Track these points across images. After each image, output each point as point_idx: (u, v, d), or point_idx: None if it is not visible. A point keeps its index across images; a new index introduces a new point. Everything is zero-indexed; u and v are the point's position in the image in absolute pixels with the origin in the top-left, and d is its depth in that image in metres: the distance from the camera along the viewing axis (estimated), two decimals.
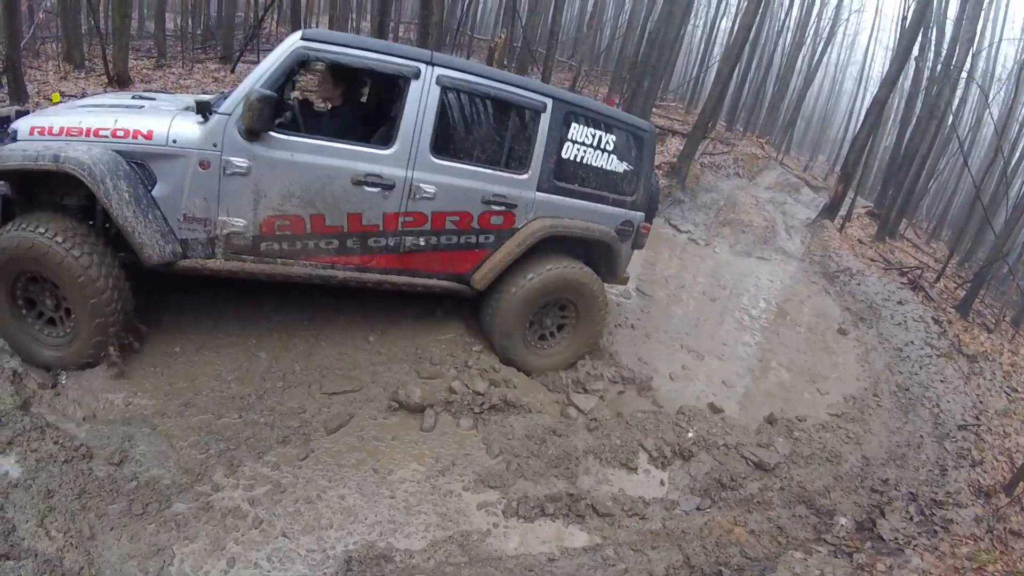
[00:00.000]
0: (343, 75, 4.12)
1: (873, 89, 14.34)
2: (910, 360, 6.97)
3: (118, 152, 3.39)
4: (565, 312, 4.64)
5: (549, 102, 4.09)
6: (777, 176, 15.31)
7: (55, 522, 2.79)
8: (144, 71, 11.39)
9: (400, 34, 16.82)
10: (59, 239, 3.31)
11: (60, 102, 4.70)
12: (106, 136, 3.40)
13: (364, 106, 4.45)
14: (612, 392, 4.67)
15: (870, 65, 29.56)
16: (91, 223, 3.60)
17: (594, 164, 4.37)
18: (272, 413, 3.63)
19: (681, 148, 11.41)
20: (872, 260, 10.62)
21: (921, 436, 5.38)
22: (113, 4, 10.40)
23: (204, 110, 3.44)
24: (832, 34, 26.99)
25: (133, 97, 4.11)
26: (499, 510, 3.40)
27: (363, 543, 3.02)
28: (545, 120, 4.09)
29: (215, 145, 3.45)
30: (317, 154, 3.60)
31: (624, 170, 4.52)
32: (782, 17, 24.47)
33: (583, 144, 4.28)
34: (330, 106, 4.33)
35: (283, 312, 4.36)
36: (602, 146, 4.37)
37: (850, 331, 7.51)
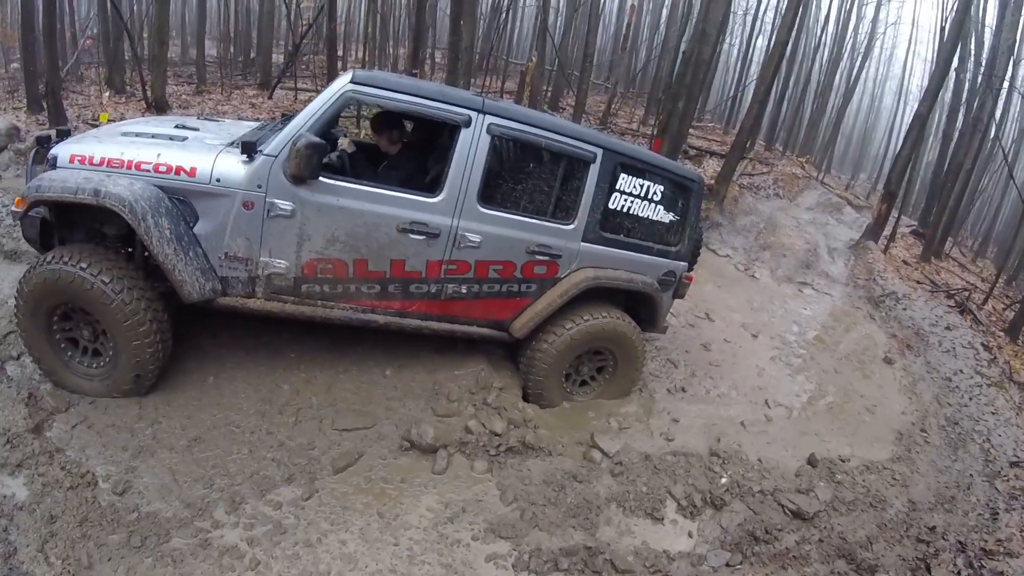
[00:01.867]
0: (393, 120, 4.13)
1: (913, 104, 13.96)
2: (959, 391, 6.64)
3: (160, 187, 3.37)
4: (603, 359, 4.59)
5: (599, 152, 4.00)
6: (818, 196, 14.90)
7: (55, 548, 2.81)
8: (183, 96, 11.70)
9: (436, 60, 16.97)
10: (100, 274, 3.32)
11: (107, 122, 4.75)
12: (148, 170, 3.38)
13: (424, 151, 4.41)
14: (639, 429, 4.45)
15: (909, 79, 28.91)
16: (130, 252, 3.62)
17: (640, 214, 4.31)
18: (281, 449, 3.55)
19: (719, 169, 11.13)
20: (918, 283, 10.25)
21: (971, 475, 5.06)
22: (152, 31, 10.72)
23: (249, 150, 3.40)
24: (869, 48, 26.51)
25: (176, 126, 4.07)
26: (509, 563, 3.21)
27: None
28: (595, 171, 4.01)
29: (259, 186, 3.42)
30: (363, 200, 3.57)
31: (670, 220, 4.46)
32: (818, 33, 24.09)
33: (631, 195, 4.21)
34: (393, 150, 4.30)
35: (304, 341, 4.28)
36: (649, 196, 4.30)
37: (896, 360, 7.17)
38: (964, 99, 14.03)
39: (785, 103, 21.42)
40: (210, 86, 12.63)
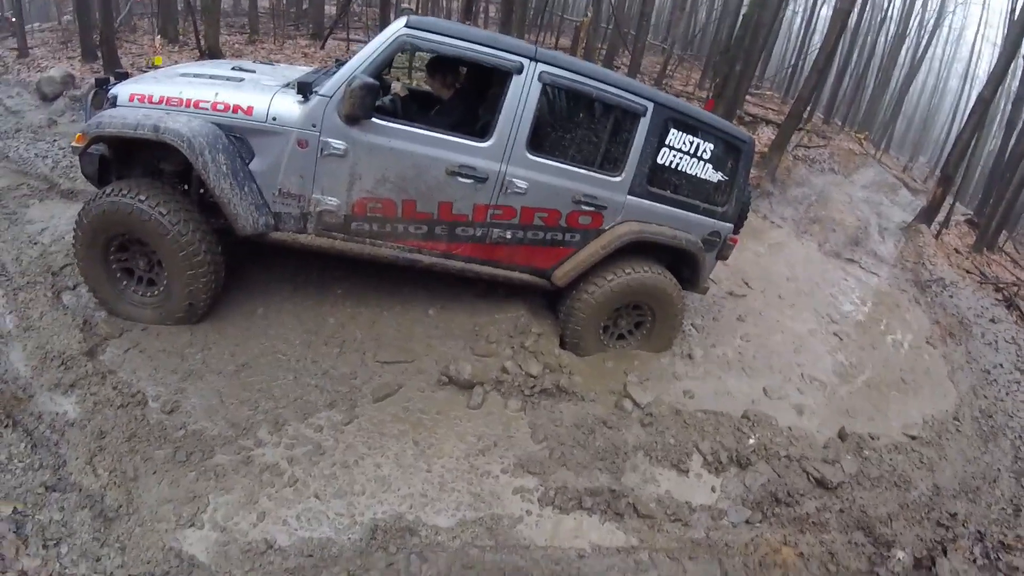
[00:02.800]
0: (447, 65, 4.17)
1: (979, 88, 13.22)
2: (997, 384, 6.44)
3: (218, 124, 3.47)
4: (641, 314, 4.61)
5: (650, 106, 3.95)
6: (874, 175, 14.38)
7: (103, 461, 2.95)
8: (236, 46, 11.87)
9: (490, 14, 16.79)
10: (158, 206, 3.46)
11: (161, 65, 4.89)
12: (206, 108, 3.48)
13: (476, 97, 4.37)
14: (672, 385, 4.48)
15: (976, 63, 27.54)
16: (186, 188, 3.75)
17: (688, 172, 4.26)
18: (324, 377, 3.69)
19: (773, 138, 10.83)
20: (967, 272, 9.89)
21: (998, 469, 4.93)
22: None
23: (305, 90, 3.47)
24: (937, 26, 25.20)
25: (232, 68, 4.17)
26: (535, 497, 3.30)
27: (392, 514, 3.01)
28: (644, 124, 3.97)
29: (314, 126, 3.50)
30: (414, 142, 3.62)
31: (718, 180, 4.40)
32: (885, 5, 22.94)
33: (680, 151, 4.17)
34: (446, 94, 4.35)
35: (352, 279, 4.40)
36: (699, 154, 4.24)
37: (937, 346, 6.96)
38: None
39: (847, 77, 20.62)
40: (262, 36, 12.78)
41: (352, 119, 3.47)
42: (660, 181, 4.18)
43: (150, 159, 3.75)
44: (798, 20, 25.15)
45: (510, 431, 3.67)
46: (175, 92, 3.53)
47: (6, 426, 2.96)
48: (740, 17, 12.33)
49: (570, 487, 3.37)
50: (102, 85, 4.13)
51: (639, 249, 4.29)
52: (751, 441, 4.07)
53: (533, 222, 3.97)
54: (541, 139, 3.84)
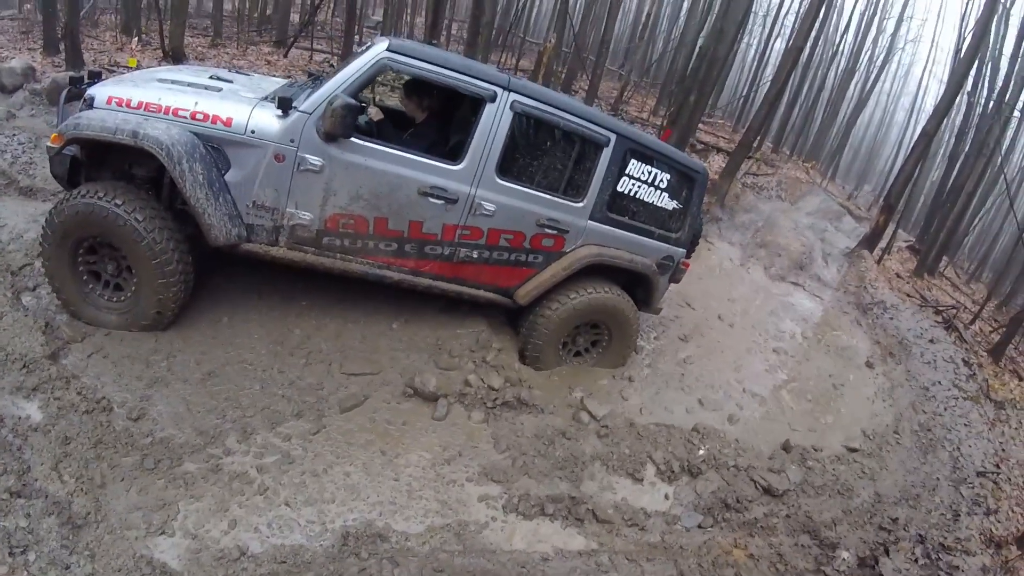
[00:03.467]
0: (423, 88, 4.26)
1: (924, 122, 14.05)
2: (936, 400, 6.80)
3: (195, 134, 3.49)
4: (598, 332, 4.81)
5: (613, 137, 4.16)
6: (820, 202, 15.01)
7: (69, 467, 2.91)
8: (199, 48, 11.69)
9: (453, 32, 16.96)
10: (134, 212, 3.44)
11: (136, 67, 4.82)
12: (185, 117, 3.49)
13: (449, 121, 4.55)
14: (623, 400, 4.67)
15: (923, 98, 28.89)
16: (157, 194, 3.71)
17: (646, 200, 4.48)
18: (291, 387, 3.72)
19: (724, 165, 11.27)
20: (908, 295, 10.37)
21: (938, 479, 5.24)
22: None
23: (285, 105, 3.52)
24: (886, 62, 26.46)
25: (211, 77, 4.16)
26: (500, 504, 3.42)
27: (362, 520, 3.07)
28: (607, 154, 4.18)
29: (292, 141, 3.55)
30: (389, 162, 3.72)
31: (673, 208, 4.63)
32: (836, 41, 24.03)
33: (638, 180, 4.38)
34: (420, 116, 4.46)
35: (316, 291, 4.44)
36: (656, 183, 4.47)
37: (877, 365, 7.30)
38: (974, 123, 14.10)
39: (797, 107, 21.48)
40: (225, 40, 12.63)
41: (331, 137, 3.55)
42: (619, 208, 4.39)
43: (122, 163, 3.72)
44: (751, 52, 26.09)
45: (474, 441, 3.78)
46: (154, 98, 3.52)
47: None
48: (696, 49, 12.80)
49: (532, 494, 3.50)
50: (76, 84, 4.07)
51: (597, 271, 4.47)
52: (701, 452, 4.27)
53: (499, 243, 4.12)
54: (510, 164, 3.99)
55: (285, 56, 11.82)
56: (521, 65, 15.02)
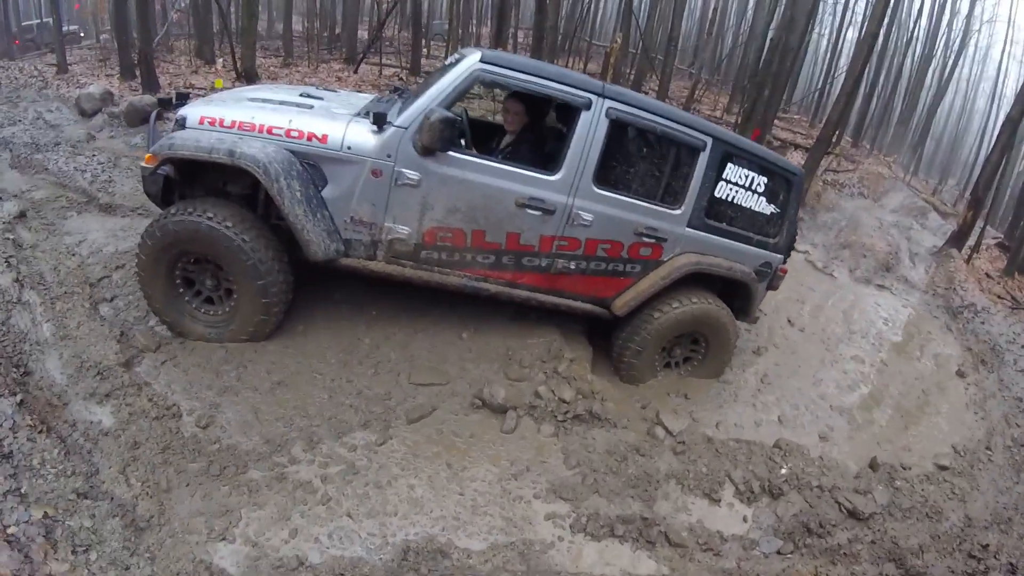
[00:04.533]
0: (518, 99, 4.23)
1: (1007, 107, 13.03)
2: None
3: (291, 151, 3.53)
4: (695, 343, 4.70)
5: (709, 141, 4.05)
6: (903, 198, 14.25)
7: (136, 472, 2.98)
8: (271, 69, 12.15)
9: (518, 40, 17.01)
10: (241, 232, 3.51)
11: (222, 88, 4.98)
12: (280, 135, 3.54)
13: (543, 130, 4.53)
14: (703, 413, 4.46)
15: (1004, 81, 27.19)
16: (254, 211, 3.77)
17: (743, 204, 4.35)
18: (359, 397, 3.71)
19: (802, 163, 10.79)
20: (999, 297, 9.73)
21: None
22: (242, 5, 11.16)
23: (380, 121, 3.54)
24: (963, 46, 24.95)
25: (301, 95, 4.21)
26: (567, 524, 3.27)
27: (424, 535, 3.00)
28: (704, 158, 4.07)
29: (389, 156, 3.57)
30: (486, 174, 3.70)
31: (771, 212, 4.49)
32: (911, 27, 22.82)
33: (736, 184, 4.26)
34: (515, 126, 4.42)
35: (385, 301, 4.44)
36: (753, 187, 4.34)
37: (969, 374, 6.80)
38: None
39: (874, 99, 20.49)
40: (296, 59, 13.07)
41: (429, 151, 3.55)
42: (717, 214, 4.26)
43: (215, 181, 3.80)
44: (824, 43, 25.10)
45: (543, 456, 3.65)
46: (247, 117, 3.57)
47: (40, 431, 2.97)
48: (767, 41, 12.37)
49: (602, 514, 3.35)
50: (164, 105, 4.25)
51: (694, 279, 4.34)
52: (783, 471, 4.01)
53: (596, 253, 4.04)
54: (607, 173, 3.92)
55: (355, 72, 12.14)
56: (588, 68, 14.87)
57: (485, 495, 3.29)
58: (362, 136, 3.56)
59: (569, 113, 3.82)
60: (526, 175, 3.76)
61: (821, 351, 6.18)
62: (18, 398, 3.08)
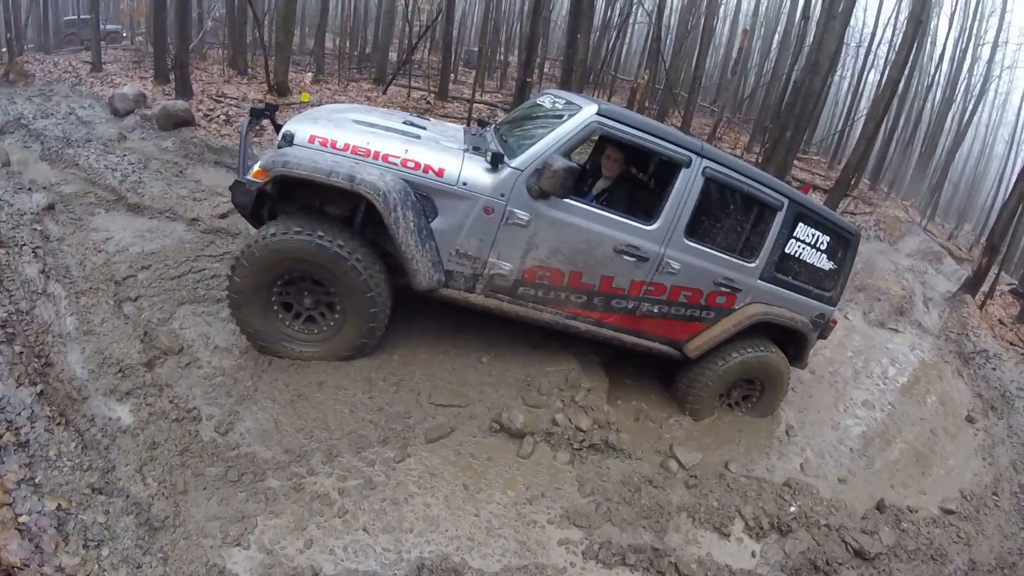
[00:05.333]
0: (622, 149, 4.46)
1: None
2: None
3: (406, 181, 3.60)
4: (751, 386, 4.98)
5: (786, 202, 4.33)
6: (919, 243, 14.24)
7: (153, 471, 2.99)
8: (302, 84, 12.34)
9: (545, 70, 17.23)
10: (344, 246, 3.58)
11: (309, 102, 5.06)
12: (395, 164, 3.61)
13: (634, 180, 4.82)
14: (717, 449, 4.49)
15: (1022, 127, 27.07)
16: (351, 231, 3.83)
17: (808, 260, 4.67)
18: (380, 413, 3.72)
19: (822, 204, 10.84)
20: (1011, 344, 9.69)
21: None
22: (277, 20, 11.38)
23: (497, 160, 3.67)
24: (983, 91, 25.03)
25: (404, 122, 4.32)
26: (580, 550, 3.26)
27: (439, 554, 2.99)
28: (780, 218, 4.35)
29: (502, 195, 3.70)
30: (591, 220, 3.87)
31: (829, 268, 4.82)
32: (932, 72, 22.96)
33: (803, 242, 4.57)
34: (609, 173, 4.65)
35: (408, 321, 4.48)
36: (817, 245, 4.65)
37: (978, 419, 6.80)
38: None
39: (894, 142, 20.58)
40: (327, 76, 13.27)
41: (546, 195, 3.70)
42: (785, 268, 4.57)
43: (311, 199, 3.85)
44: (845, 85, 25.23)
45: (558, 483, 3.66)
46: (362, 141, 3.63)
47: (58, 423, 2.99)
48: (791, 83, 12.49)
49: (614, 542, 3.34)
50: (257, 115, 4.36)
51: (756, 326, 4.59)
52: (792, 508, 4.02)
53: (679, 299, 4.29)
54: (696, 226, 4.19)
55: (384, 93, 12.31)
56: (613, 101, 15.06)
57: (500, 518, 3.29)
58: (478, 174, 3.67)
59: (670, 169, 4.03)
60: (626, 223, 3.94)
61: (833, 395, 6.19)
62: (38, 388, 3.12)
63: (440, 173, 3.62)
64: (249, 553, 2.77)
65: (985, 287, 11.21)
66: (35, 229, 4.82)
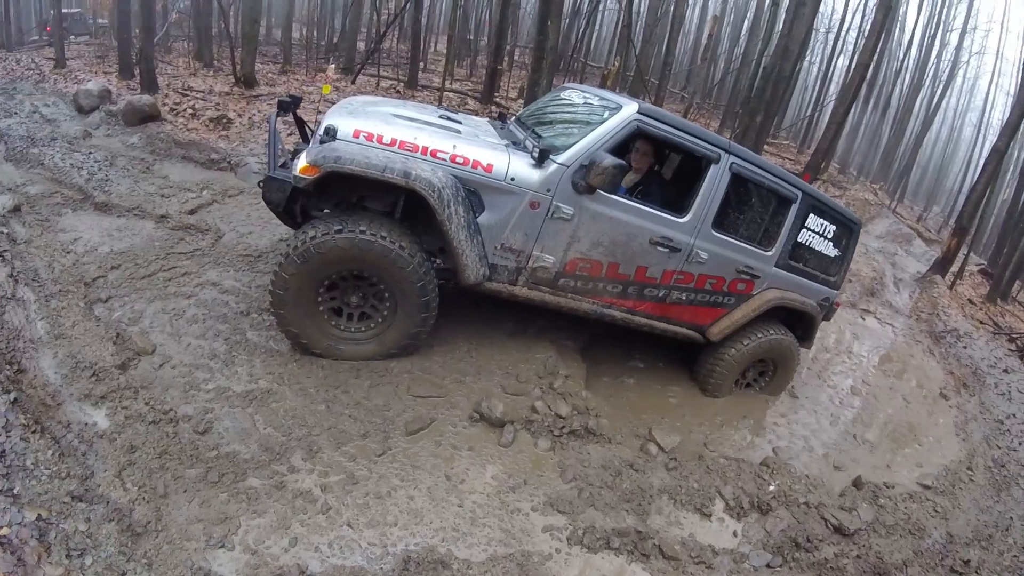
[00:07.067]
0: (659, 148, 4.72)
1: (993, 137, 13.39)
2: (1010, 434, 6.49)
3: (456, 176, 3.63)
4: (765, 366, 5.33)
5: (800, 194, 4.62)
6: (889, 225, 14.53)
7: (132, 476, 2.93)
8: (269, 75, 12.14)
9: (515, 58, 17.16)
10: (401, 245, 3.58)
11: (329, 94, 4.97)
12: (444, 159, 3.63)
13: (659, 175, 5.04)
14: (694, 431, 4.55)
15: (990, 112, 27.98)
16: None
17: (816, 248, 4.98)
18: (358, 407, 3.70)
19: None
20: (981, 323, 10.01)
21: (1011, 518, 4.93)
22: (243, 11, 11.16)
23: (544, 156, 3.74)
24: (951, 77, 25.56)
25: (440, 116, 4.35)
26: (564, 536, 3.29)
27: (424, 546, 2.99)
28: (795, 209, 4.64)
29: (548, 190, 3.79)
30: (630, 213, 4.04)
31: (834, 255, 5.16)
32: (900, 57, 23.35)
33: (814, 231, 4.88)
34: (639, 167, 4.76)
35: None
36: (825, 234, 4.97)
37: (951, 397, 7.02)
38: None
39: (863, 127, 20.94)
40: (295, 67, 13.08)
41: (592, 190, 3.80)
42: (797, 255, 4.87)
43: (351, 195, 3.83)
44: (814, 71, 25.52)
45: (540, 470, 3.68)
46: (409, 136, 3.62)
47: (33, 431, 2.93)
48: (761, 69, 12.60)
49: (598, 527, 3.37)
50: (284, 108, 4.30)
51: (770, 311, 4.88)
52: (771, 487, 4.09)
53: (705, 287, 4.53)
54: (722, 218, 4.38)
55: (353, 83, 12.16)
56: None
57: (484, 507, 3.29)
58: (525, 169, 3.74)
59: (701, 164, 4.21)
60: (660, 216, 4.12)
61: (809, 375, 6.30)
62: (11, 396, 3.05)
63: (489, 169, 3.67)
64: (234, 554, 2.73)
65: (955, 268, 11.48)
66: (1, 232, 4.70)
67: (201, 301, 4.42)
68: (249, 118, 9.39)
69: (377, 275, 3.72)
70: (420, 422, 3.71)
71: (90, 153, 7.18)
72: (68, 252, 4.76)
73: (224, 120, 9.03)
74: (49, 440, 2.95)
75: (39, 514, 2.58)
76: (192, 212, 5.97)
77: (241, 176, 7.43)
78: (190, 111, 9.28)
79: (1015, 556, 4.44)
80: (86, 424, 3.12)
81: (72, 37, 15.00)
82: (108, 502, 2.76)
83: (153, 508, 2.81)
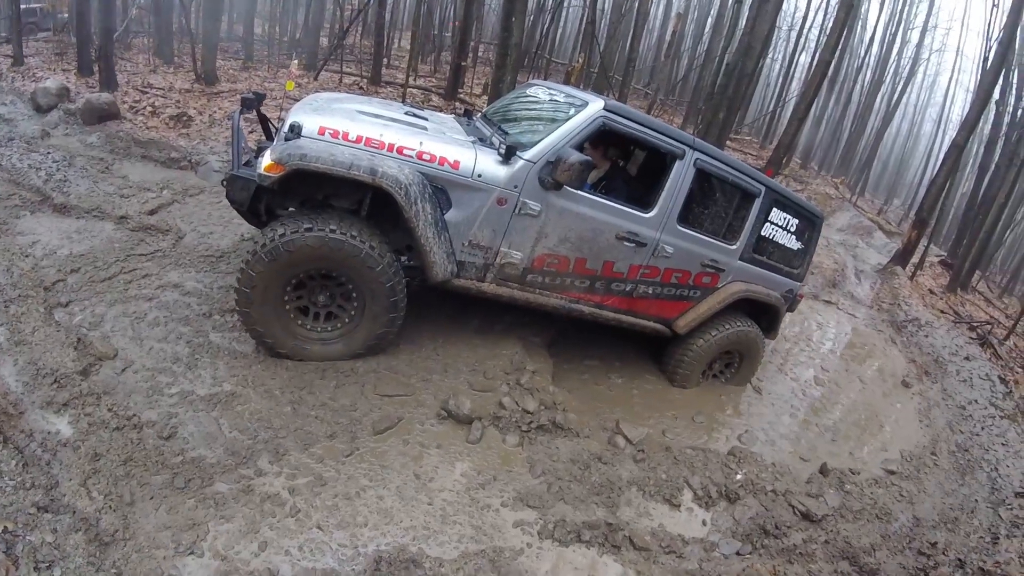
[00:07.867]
0: (614, 141, 4.72)
1: (952, 132, 13.81)
2: (972, 419, 6.71)
3: (422, 173, 3.60)
4: (731, 357, 5.46)
5: (763, 189, 4.71)
6: (850, 218, 14.86)
7: (98, 484, 2.86)
8: (231, 71, 11.91)
9: (479, 54, 17.11)
10: (369, 244, 3.54)
11: (292, 91, 4.88)
12: (411, 156, 3.59)
13: (625, 171, 5.14)
14: (661, 422, 4.62)
15: (950, 107, 28.70)
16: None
17: (779, 241, 5.08)
18: (323, 408, 3.67)
19: None
20: (942, 312, 10.27)
21: (976, 500, 5.11)
22: (204, 6, 10.95)
23: (510, 153, 3.74)
24: (912, 73, 26.24)
25: (407, 113, 4.32)
26: (535, 530, 3.32)
27: (395, 545, 2.98)
28: (758, 203, 4.74)
29: (516, 187, 3.79)
30: (596, 209, 4.07)
31: (797, 248, 5.28)
32: (862, 54, 23.88)
33: (777, 225, 4.98)
34: (602, 164, 4.88)
35: None
36: (788, 227, 5.09)
37: (914, 384, 7.22)
38: (1003, 132, 13.92)
39: (824, 122, 21.37)
40: (256, 63, 12.86)
41: (558, 187, 3.83)
42: (760, 249, 4.97)
43: (315, 193, 3.77)
44: (777, 67, 25.97)
45: (509, 466, 3.70)
46: (375, 133, 3.58)
47: None
48: (724, 65, 12.78)
49: (568, 520, 3.40)
50: (248, 105, 4.23)
51: (735, 303, 4.97)
52: (739, 476, 4.17)
53: (671, 280, 4.60)
54: (687, 213, 4.47)
55: (315, 79, 12.00)
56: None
57: (454, 504, 3.30)
58: (492, 166, 3.74)
59: (665, 160, 4.24)
60: (626, 211, 4.17)
61: (773, 367, 6.42)
62: None
63: (456, 165, 3.66)
64: (204, 561, 2.70)
65: (915, 259, 11.79)
66: None
67: (163, 303, 4.34)
68: (210, 115, 9.21)
69: (346, 275, 3.69)
70: (387, 421, 3.69)
71: (48, 153, 6.97)
72: (27, 256, 4.63)
73: (184, 118, 8.84)
74: (12, 450, 2.88)
75: (4, 527, 2.52)
76: (152, 212, 5.84)
77: (202, 175, 7.28)
78: (150, 109, 9.07)
79: (981, 537, 4.59)
80: (49, 433, 3.04)
81: (40, 33, 14.54)
82: (74, 512, 2.70)
83: (120, 516, 2.76)
